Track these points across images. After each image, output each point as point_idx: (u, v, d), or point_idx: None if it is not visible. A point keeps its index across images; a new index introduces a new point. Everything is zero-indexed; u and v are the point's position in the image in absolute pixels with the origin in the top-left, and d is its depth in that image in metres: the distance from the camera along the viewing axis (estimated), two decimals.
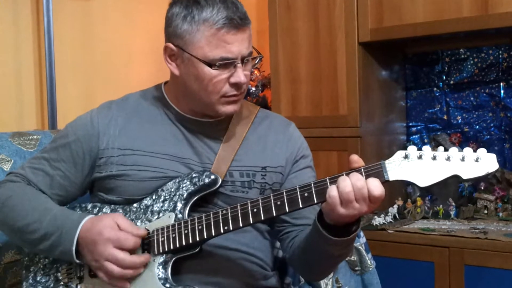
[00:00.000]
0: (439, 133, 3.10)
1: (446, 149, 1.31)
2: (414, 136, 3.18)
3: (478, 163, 1.27)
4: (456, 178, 1.29)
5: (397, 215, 2.81)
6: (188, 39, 1.49)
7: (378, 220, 2.73)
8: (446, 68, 3.07)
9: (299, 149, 1.68)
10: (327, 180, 1.36)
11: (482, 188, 2.87)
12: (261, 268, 1.61)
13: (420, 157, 1.31)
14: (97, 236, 1.43)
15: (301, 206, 1.37)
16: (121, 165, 1.56)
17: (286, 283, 1.81)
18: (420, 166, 1.31)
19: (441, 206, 2.85)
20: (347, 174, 1.34)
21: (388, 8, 2.72)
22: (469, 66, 3.01)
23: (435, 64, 3.10)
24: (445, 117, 3.10)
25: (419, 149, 1.33)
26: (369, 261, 2.06)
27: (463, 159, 1.28)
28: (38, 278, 1.58)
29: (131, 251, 1.45)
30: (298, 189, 1.38)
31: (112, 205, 1.58)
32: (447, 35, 2.79)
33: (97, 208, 1.59)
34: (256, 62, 1.58)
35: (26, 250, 1.62)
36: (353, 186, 1.31)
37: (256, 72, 3.29)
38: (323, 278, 1.87)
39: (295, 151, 1.67)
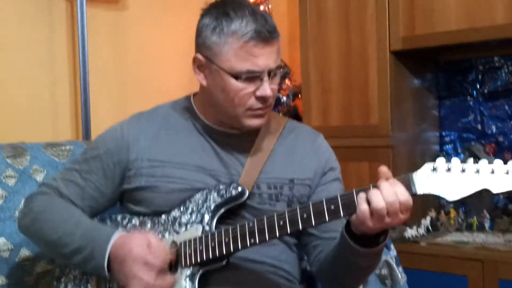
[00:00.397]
0: (473, 143, 3.05)
1: (476, 161, 1.28)
2: (447, 146, 3.14)
3: (508, 175, 1.24)
4: (486, 192, 1.26)
5: (429, 227, 2.77)
6: (217, 50, 1.49)
7: (410, 232, 2.69)
8: (480, 76, 3.02)
9: (328, 161, 1.67)
10: (354, 192, 1.35)
11: None
12: (288, 281, 1.60)
13: (448, 169, 1.29)
14: (127, 253, 1.44)
15: (327, 219, 1.36)
16: (150, 176, 1.57)
17: None
18: (449, 179, 1.28)
19: (475, 218, 2.79)
20: (374, 187, 1.32)
21: (420, 16, 2.69)
22: (504, 75, 2.95)
23: (469, 72, 3.05)
24: (479, 127, 3.04)
25: (448, 161, 1.30)
26: (399, 275, 2.02)
27: (493, 172, 1.25)
28: None
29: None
30: (324, 201, 1.36)
31: (141, 217, 1.59)
32: (480, 43, 2.75)
33: (126, 220, 1.60)
34: (283, 75, 1.56)
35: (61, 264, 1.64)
36: (386, 202, 1.29)
37: (287, 81, 3.28)
38: None
39: (323, 163, 1.65)
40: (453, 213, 2.81)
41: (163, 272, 1.45)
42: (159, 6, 3.02)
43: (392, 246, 2.09)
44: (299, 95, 3.21)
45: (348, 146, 2.88)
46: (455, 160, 1.30)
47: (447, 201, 1.29)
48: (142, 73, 2.95)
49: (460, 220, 2.82)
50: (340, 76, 2.93)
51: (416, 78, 2.99)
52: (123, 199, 1.65)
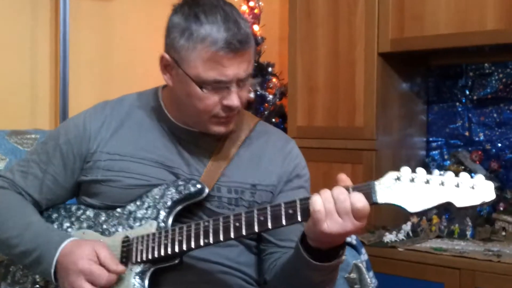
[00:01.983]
0: (460, 149, 2.99)
1: (441, 174, 1.23)
2: (434, 152, 3.08)
3: (474, 190, 1.19)
4: (449, 206, 1.21)
5: (410, 232, 2.71)
6: (184, 55, 1.43)
7: (389, 237, 2.64)
8: (470, 82, 2.97)
9: (295, 167, 1.60)
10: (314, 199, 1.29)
11: (502, 209, 2.76)
12: (246, 283, 1.54)
13: (412, 180, 1.24)
14: (71, 265, 1.39)
15: (284, 223, 1.31)
16: (108, 170, 1.52)
17: None
18: (412, 189, 1.23)
19: (457, 225, 2.74)
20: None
21: (410, 18, 2.64)
22: (494, 82, 2.90)
23: (459, 78, 2.99)
24: (466, 133, 2.99)
25: (413, 171, 1.25)
26: (369, 280, 1.98)
27: (458, 186, 1.20)
28: (17, 278, 1.55)
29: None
30: (283, 205, 1.31)
31: (96, 209, 1.54)
32: (471, 49, 2.69)
33: (81, 211, 1.55)
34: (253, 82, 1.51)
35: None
36: (334, 198, 1.24)
37: (274, 79, 3.23)
38: None
39: (289, 169, 1.59)
40: (435, 219, 2.76)
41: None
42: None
43: (363, 250, 2.05)
44: (286, 94, 3.15)
45: (332, 147, 2.84)
46: (420, 170, 1.24)
47: (408, 212, 1.23)
48: (126, 65, 2.90)
49: (442, 227, 2.77)
50: (327, 77, 2.88)
51: (405, 82, 2.93)
52: (79, 191, 1.60)
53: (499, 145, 2.90)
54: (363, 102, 2.76)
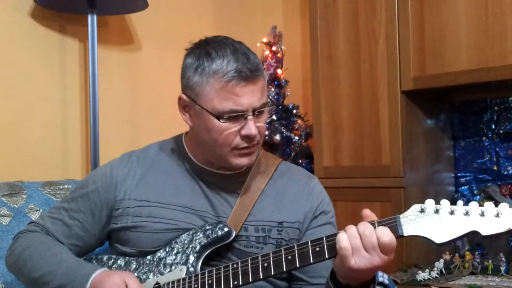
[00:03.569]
0: (489, 184, 2.97)
1: (466, 204, 1.24)
2: (463, 187, 3.06)
3: (499, 218, 1.19)
4: (475, 235, 1.21)
5: (443, 270, 2.68)
6: (199, 90, 1.48)
7: (422, 275, 2.61)
8: (495, 117, 2.96)
9: (320, 204, 1.62)
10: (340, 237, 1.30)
11: None
12: None
13: (437, 211, 1.24)
14: None
15: (311, 261, 1.32)
16: (137, 216, 1.55)
17: None
18: (437, 221, 1.24)
19: (490, 261, 2.70)
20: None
21: (431, 56, 2.66)
22: None
23: (484, 112, 2.99)
24: (495, 168, 2.97)
25: (437, 203, 1.26)
26: None
27: (482, 214, 1.21)
28: None
29: None
30: (310, 243, 1.32)
31: (127, 257, 1.56)
32: (494, 83, 2.70)
33: (112, 260, 1.58)
34: (270, 111, 1.54)
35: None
36: (360, 234, 1.25)
37: (299, 121, 3.26)
38: None
39: (314, 206, 1.61)
40: (468, 255, 2.72)
41: None
42: (172, 47, 3.04)
43: None
44: (312, 135, 3.18)
45: (360, 186, 2.84)
46: (444, 202, 1.25)
47: (435, 244, 1.23)
48: (154, 114, 2.96)
49: (475, 263, 2.73)
50: (351, 116, 2.90)
51: (429, 119, 2.94)
52: (111, 239, 1.63)
53: None
54: (389, 140, 2.77)
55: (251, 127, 1.47)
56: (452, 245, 2.92)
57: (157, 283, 1.48)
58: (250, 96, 1.46)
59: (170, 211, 1.54)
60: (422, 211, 1.26)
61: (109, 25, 2.82)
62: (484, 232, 1.20)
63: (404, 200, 2.73)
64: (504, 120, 2.94)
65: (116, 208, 1.57)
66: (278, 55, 3.27)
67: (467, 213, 1.22)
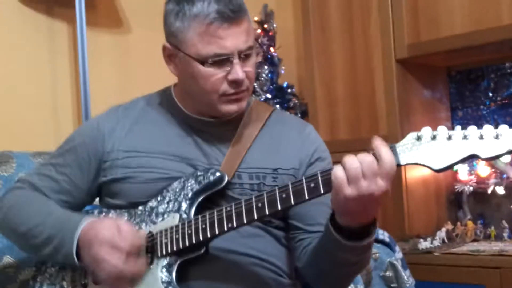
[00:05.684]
0: None
1: (464, 128, 1.19)
2: None
3: (498, 140, 1.15)
4: (474, 158, 1.17)
5: (445, 239, 2.65)
6: (181, 37, 1.43)
7: (424, 244, 2.57)
8: (492, 84, 2.92)
9: (316, 150, 1.57)
10: (334, 167, 1.26)
11: None
12: (275, 275, 1.49)
13: (434, 137, 1.20)
14: (94, 237, 1.36)
15: (307, 197, 1.27)
16: (126, 167, 1.50)
17: None
18: (435, 147, 1.19)
19: (493, 228, 2.67)
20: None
21: (425, 21, 2.63)
22: None
23: (480, 81, 2.95)
24: None
25: (434, 129, 1.22)
26: (405, 277, 1.91)
27: (481, 137, 1.16)
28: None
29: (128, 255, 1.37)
30: (304, 180, 1.28)
31: (118, 210, 1.52)
32: (489, 47, 2.66)
33: (103, 214, 1.53)
34: (258, 55, 1.49)
35: (33, 257, 1.58)
36: (360, 161, 1.21)
37: (294, 99, 3.22)
38: None
39: (310, 153, 1.56)
40: (470, 224, 2.69)
41: (133, 257, 1.36)
42: (162, 29, 2.99)
43: (397, 248, 1.99)
44: (308, 113, 3.14)
45: None
46: (441, 128, 1.21)
47: (433, 170, 1.19)
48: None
49: (478, 232, 2.69)
50: (346, 89, 2.86)
51: (426, 89, 2.90)
52: (101, 193, 1.58)
53: None
54: (385, 110, 2.74)
55: (238, 71, 1.42)
56: (453, 215, 2.88)
57: (150, 232, 1.43)
58: (234, 38, 1.41)
59: (160, 160, 1.49)
60: (418, 138, 1.21)
61: (97, 6, 2.77)
62: (484, 154, 1.15)
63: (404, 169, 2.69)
64: (502, 87, 2.90)
65: (105, 160, 1.52)
66: (270, 33, 3.23)
67: (465, 137, 1.17)
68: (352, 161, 1.22)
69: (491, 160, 1.15)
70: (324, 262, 1.40)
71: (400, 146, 1.23)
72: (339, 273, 1.43)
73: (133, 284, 1.38)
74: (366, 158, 1.21)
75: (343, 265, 1.38)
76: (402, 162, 1.22)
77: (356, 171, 1.20)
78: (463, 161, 1.17)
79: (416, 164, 1.21)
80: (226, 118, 1.52)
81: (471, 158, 1.17)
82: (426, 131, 1.21)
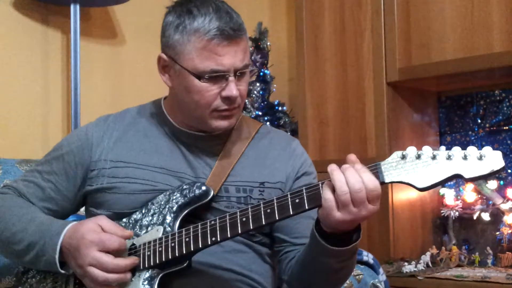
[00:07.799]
0: None
1: (449, 149, 1.20)
2: (449, 183, 3.02)
3: (482, 161, 1.16)
4: (458, 178, 1.17)
5: (429, 263, 2.65)
6: (179, 49, 1.44)
7: (408, 268, 2.57)
8: (481, 111, 2.94)
9: (302, 165, 1.58)
10: (319, 184, 1.26)
11: None
12: None
13: (418, 156, 1.21)
14: (80, 240, 1.36)
15: (291, 213, 1.27)
16: (112, 177, 1.50)
17: None
18: (419, 166, 1.20)
19: (477, 254, 2.67)
20: None
21: (417, 46, 2.65)
22: (505, 108, 2.87)
23: (470, 107, 2.97)
24: None
25: (419, 149, 1.22)
26: None
27: (465, 158, 1.17)
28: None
29: (117, 254, 1.37)
30: (289, 195, 1.28)
31: None
32: (480, 74, 2.68)
33: None
34: (252, 74, 1.50)
35: (15, 263, 1.57)
36: (350, 187, 1.21)
37: (284, 118, 3.23)
38: None
39: (297, 167, 1.57)
40: (455, 249, 2.69)
41: (121, 253, 1.37)
42: (155, 41, 2.98)
43: (381, 271, 1.99)
44: (298, 132, 3.15)
45: None
46: (426, 148, 1.22)
47: (417, 189, 1.19)
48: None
49: (462, 257, 2.70)
50: (337, 110, 2.88)
51: (415, 113, 2.92)
52: (86, 203, 1.57)
53: None
54: (375, 132, 2.75)
55: (232, 88, 1.43)
56: (438, 240, 2.88)
57: (133, 244, 1.42)
58: (232, 56, 1.42)
59: (147, 172, 1.49)
60: (403, 157, 1.22)
61: (92, 17, 2.78)
62: (467, 175, 1.16)
63: (392, 193, 2.70)
64: (491, 114, 2.92)
65: (92, 169, 1.52)
66: (263, 51, 3.25)
67: (449, 157, 1.18)
68: (341, 184, 1.22)
69: (474, 181, 1.15)
70: (310, 270, 1.40)
71: (385, 164, 1.24)
72: (325, 281, 1.43)
73: None
74: (355, 185, 1.21)
75: (329, 272, 1.38)
76: (387, 180, 1.23)
77: (346, 197, 1.21)
78: (446, 180, 1.18)
79: (400, 182, 1.21)
80: (215, 133, 1.52)
81: (454, 178, 1.18)
82: (411, 150, 1.22)
